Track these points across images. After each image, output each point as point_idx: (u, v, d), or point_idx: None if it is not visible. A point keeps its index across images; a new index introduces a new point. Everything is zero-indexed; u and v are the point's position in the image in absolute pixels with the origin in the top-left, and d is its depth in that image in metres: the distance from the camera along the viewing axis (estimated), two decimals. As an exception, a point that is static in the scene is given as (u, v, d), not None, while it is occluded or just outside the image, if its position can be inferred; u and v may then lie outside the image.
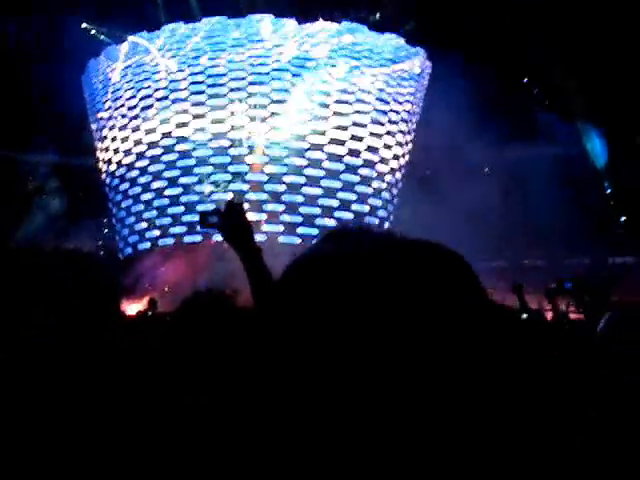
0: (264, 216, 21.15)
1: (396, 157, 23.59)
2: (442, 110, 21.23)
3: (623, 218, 25.39)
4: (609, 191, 26.04)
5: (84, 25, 24.24)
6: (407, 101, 24.36)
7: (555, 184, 21.49)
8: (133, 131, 22.36)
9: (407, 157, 23.85)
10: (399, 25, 24.74)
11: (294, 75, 23.11)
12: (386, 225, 22.29)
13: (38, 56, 23.79)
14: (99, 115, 23.12)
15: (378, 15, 25.32)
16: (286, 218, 21.45)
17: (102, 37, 25.49)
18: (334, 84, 23.27)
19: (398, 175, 23.55)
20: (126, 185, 22.04)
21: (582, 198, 22.97)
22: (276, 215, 21.34)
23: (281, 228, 21.26)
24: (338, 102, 23.13)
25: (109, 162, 22.59)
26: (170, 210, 21.32)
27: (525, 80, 27.37)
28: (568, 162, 23.90)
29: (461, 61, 21.52)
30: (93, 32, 24.87)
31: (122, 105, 22.77)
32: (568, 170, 23.15)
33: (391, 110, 23.79)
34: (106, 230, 22.63)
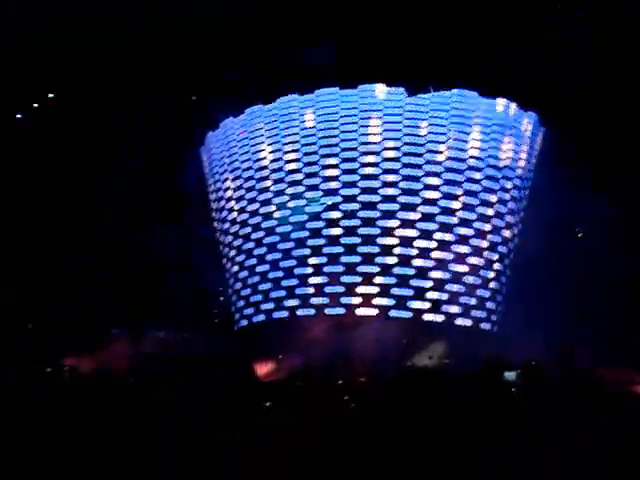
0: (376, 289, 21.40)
1: (509, 226, 23.30)
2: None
3: None
4: None
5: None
6: (519, 167, 24.04)
7: None
8: (249, 203, 23.10)
9: (519, 227, 23.50)
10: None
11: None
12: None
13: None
14: (217, 186, 24.04)
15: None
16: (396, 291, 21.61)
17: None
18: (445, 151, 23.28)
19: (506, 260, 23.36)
20: (242, 256, 22.76)
21: None
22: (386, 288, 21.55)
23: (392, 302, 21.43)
24: (448, 170, 23.10)
25: (226, 233, 23.41)
26: (284, 283, 21.88)
27: None
28: None
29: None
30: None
31: (239, 176, 23.57)
32: None
33: (503, 177, 23.55)
34: (222, 298, 23.33)
